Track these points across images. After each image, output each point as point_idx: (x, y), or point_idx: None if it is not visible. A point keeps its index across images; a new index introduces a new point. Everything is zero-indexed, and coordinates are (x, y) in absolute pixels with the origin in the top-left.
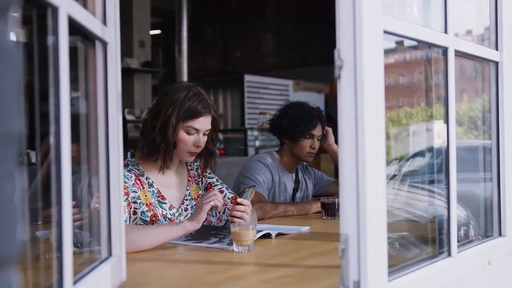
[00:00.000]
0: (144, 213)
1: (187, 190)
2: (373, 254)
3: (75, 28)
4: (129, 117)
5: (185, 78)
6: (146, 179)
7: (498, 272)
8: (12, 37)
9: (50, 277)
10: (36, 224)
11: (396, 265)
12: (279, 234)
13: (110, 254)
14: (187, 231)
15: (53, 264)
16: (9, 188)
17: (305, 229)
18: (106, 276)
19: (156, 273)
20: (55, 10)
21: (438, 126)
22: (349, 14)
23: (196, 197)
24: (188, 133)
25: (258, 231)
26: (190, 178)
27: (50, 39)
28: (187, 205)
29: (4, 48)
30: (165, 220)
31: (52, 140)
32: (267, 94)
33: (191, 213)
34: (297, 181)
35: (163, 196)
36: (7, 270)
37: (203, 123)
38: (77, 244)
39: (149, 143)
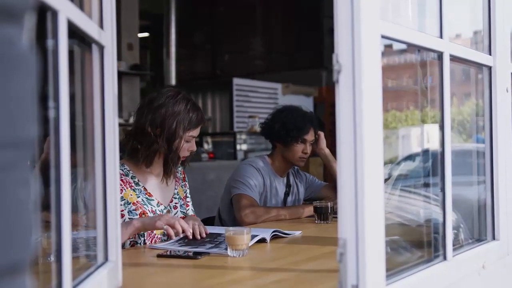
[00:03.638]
0: (131, 212)
1: (175, 189)
2: (371, 258)
3: (72, 31)
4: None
5: (173, 81)
6: (132, 178)
7: (492, 276)
8: (27, 42)
9: (47, 282)
10: (39, 233)
11: (393, 269)
12: (274, 236)
13: (106, 259)
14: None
15: (49, 269)
16: (24, 194)
17: (298, 233)
18: (103, 281)
19: (152, 278)
20: (54, 13)
21: (428, 129)
22: (347, 19)
23: (182, 197)
24: (188, 141)
25: (253, 236)
26: (177, 179)
27: (49, 43)
28: (175, 203)
29: (19, 53)
30: None
31: (51, 143)
32: (256, 97)
33: (180, 211)
34: (288, 185)
35: (150, 193)
36: (23, 275)
37: (199, 130)
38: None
39: (153, 153)
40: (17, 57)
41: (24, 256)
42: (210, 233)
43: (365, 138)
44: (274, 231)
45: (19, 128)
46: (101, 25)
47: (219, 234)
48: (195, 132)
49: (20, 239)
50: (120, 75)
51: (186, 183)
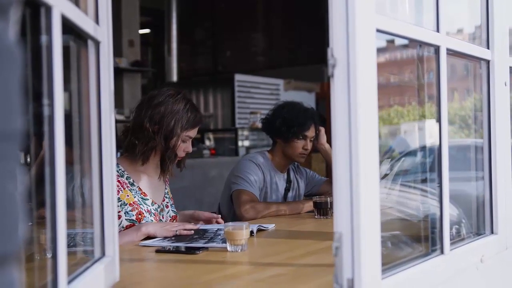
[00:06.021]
0: (128, 213)
1: (166, 189)
2: (367, 252)
3: (67, 27)
4: (118, 117)
5: (174, 78)
6: (127, 178)
7: (490, 270)
8: (13, 36)
9: (43, 278)
10: (27, 224)
11: (390, 263)
12: (259, 230)
13: (103, 254)
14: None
15: (46, 265)
16: (11, 186)
17: (271, 227)
18: (100, 276)
19: (150, 273)
20: (48, 9)
21: (430, 125)
22: (342, 13)
23: (171, 197)
24: (183, 141)
25: None
26: (166, 180)
27: (43, 38)
28: (167, 202)
29: (5, 46)
30: (150, 216)
31: (46, 140)
32: (258, 93)
33: (172, 210)
34: (288, 181)
35: (144, 193)
36: (10, 267)
37: (196, 131)
38: (69, 243)
39: (150, 150)
40: (3, 50)
41: (12, 247)
42: (197, 229)
43: (360, 132)
44: (258, 228)
45: (6, 121)
46: (96, 21)
47: (206, 230)
48: (192, 132)
49: (8, 231)
50: (121, 71)
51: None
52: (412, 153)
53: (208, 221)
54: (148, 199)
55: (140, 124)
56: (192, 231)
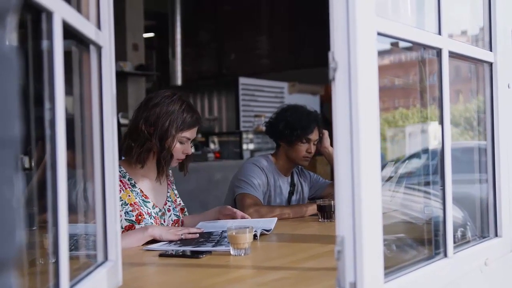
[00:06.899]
0: (128, 213)
1: (168, 192)
2: (369, 255)
3: (69, 32)
4: (123, 121)
5: (179, 81)
6: (129, 180)
7: (494, 273)
8: (10, 42)
9: (46, 282)
10: (31, 229)
11: (392, 266)
12: (262, 234)
13: (106, 258)
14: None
15: (48, 269)
16: (9, 192)
17: (273, 222)
18: (102, 281)
19: (152, 277)
20: (49, 14)
21: (434, 127)
22: (343, 16)
23: (174, 200)
24: (181, 142)
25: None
26: (169, 183)
27: (44, 44)
28: (169, 206)
29: (2, 53)
30: (150, 218)
31: (47, 145)
32: (262, 96)
33: (173, 214)
34: (292, 184)
35: (146, 195)
36: (7, 273)
37: (194, 132)
38: (72, 247)
39: (146, 151)
40: (0, 57)
41: (9, 253)
42: (203, 233)
43: (361, 135)
44: (261, 232)
45: (3, 128)
46: (98, 26)
47: (211, 233)
48: (189, 133)
49: (5, 237)
50: (126, 75)
51: (174, 186)
52: (417, 155)
53: (232, 217)
54: (149, 202)
55: (136, 126)
56: (197, 235)
